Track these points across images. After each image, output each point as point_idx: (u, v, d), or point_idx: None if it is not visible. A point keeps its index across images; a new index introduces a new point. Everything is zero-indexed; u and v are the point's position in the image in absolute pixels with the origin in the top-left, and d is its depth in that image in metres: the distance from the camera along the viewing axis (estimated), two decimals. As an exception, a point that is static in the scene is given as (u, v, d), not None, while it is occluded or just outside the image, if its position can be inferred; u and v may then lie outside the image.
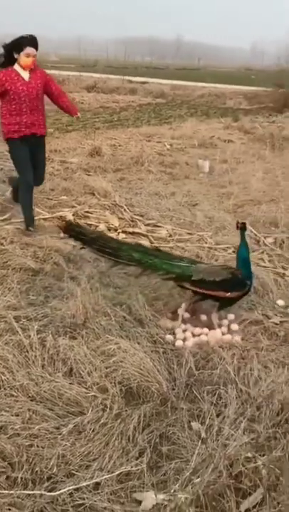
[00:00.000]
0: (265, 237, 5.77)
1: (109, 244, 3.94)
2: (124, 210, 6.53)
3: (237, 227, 3.95)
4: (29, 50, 4.96)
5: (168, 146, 11.36)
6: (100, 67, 55.34)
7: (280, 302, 4.18)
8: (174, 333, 3.64)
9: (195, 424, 2.70)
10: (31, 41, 4.98)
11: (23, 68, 5.06)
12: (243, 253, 3.91)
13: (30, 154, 5.35)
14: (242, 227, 3.91)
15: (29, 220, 5.51)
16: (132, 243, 4.40)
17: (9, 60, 5.07)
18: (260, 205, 6.88)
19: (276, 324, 3.88)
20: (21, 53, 4.96)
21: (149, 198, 7.20)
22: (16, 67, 5.08)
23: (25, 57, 4.97)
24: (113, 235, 5.66)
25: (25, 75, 5.09)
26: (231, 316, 3.89)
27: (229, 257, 5.17)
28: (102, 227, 5.87)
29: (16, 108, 5.11)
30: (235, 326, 3.78)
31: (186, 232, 5.85)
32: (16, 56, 5.03)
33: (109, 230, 5.84)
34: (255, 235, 5.88)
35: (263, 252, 5.38)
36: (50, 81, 5.37)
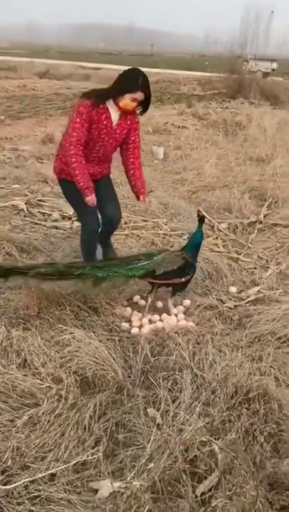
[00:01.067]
0: (219, 223, 5.81)
1: (61, 271, 3.67)
2: (79, 198, 6.45)
3: (198, 215, 3.98)
4: (139, 94, 3.77)
5: (122, 133, 11.28)
6: (52, 53, 54.50)
7: (233, 289, 4.22)
8: (129, 321, 3.63)
9: (151, 411, 2.71)
10: (145, 86, 3.80)
11: (118, 109, 3.86)
12: (197, 239, 3.93)
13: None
14: (201, 219, 3.95)
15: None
16: (80, 265, 3.90)
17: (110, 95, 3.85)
18: (214, 191, 6.92)
19: (230, 309, 3.92)
20: (127, 95, 3.75)
21: (103, 186, 7.12)
22: (110, 105, 3.84)
23: (130, 100, 3.77)
24: (67, 223, 5.60)
25: (115, 117, 3.89)
26: (187, 302, 3.91)
27: (184, 243, 5.19)
28: (55, 215, 5.80)
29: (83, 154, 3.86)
30: (186, 313, 3.81)
31: (141, 219, 5.83)
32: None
33: (63, 218, 5.77)
34: (210, 220, 5.91)
35: (217, 238, 5.42)
36: (135, 129, 4.10)
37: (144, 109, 3.96)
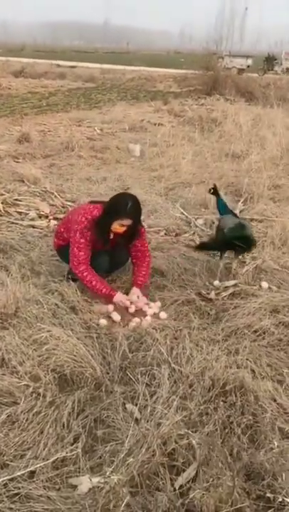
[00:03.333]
0: (196, 219, 5.85)
1: None
2: (55, 196, 6.45)
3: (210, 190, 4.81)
4: (126, 221, 3.79)
5: (98, 131, 11.29)
6: (27, 51, 54.08)
7: (216, 283, 4.24)
8: (109, 317, 3.65)
9: (129, 406, 2.72)
10: (133, 212, 3.79)
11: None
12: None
13: None
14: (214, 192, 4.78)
15: None
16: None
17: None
18: (191, 187, 6.98)
19: (210, 300, 3.96)
20: (116, 220, 3.79)
21: (80, 184, 7.14)
22: None
23: (118, 225, 3.81)
24: (44, 222, 5.59)
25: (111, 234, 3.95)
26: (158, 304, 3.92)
27: (161, 240, 5.23)
28: (32, 214, 5.78)
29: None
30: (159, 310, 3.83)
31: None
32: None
33: (40, 217, 5.75)
34: (186, 216, 5.95)
35: (194, 233, 5.46)
36: (140, 236, 4.06)
37: (131, 236, 3.94)
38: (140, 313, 3.75)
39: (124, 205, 3.76)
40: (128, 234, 3.90)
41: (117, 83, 26.56)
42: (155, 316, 3.73)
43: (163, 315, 3.74)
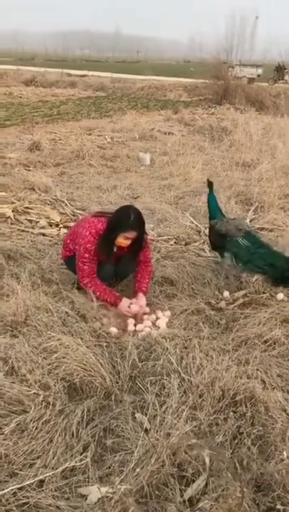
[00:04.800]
0: (205, 228, 5.84)
1: None
2: (66, 204, 6.48)
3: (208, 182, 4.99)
4: (131, 234, 3.83)
5: (108, 140, 11.33)
6: (38, 60, 54.48)
7: (226, 293, 4.23)
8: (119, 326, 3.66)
9: (139, 416, 2.72)
10: (136, 224, 3.82)
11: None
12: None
13: None
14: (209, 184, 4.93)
15: None
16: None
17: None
18: (201, 196, 6.97)
19: (220, 310, 3.95)
20: (120, 234, 3.82)
21: (90, 192, 7.17)
22: None
23: (123, 239, 3.85)
24: (54, 230, 5.61)
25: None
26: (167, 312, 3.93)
27: (171, 248, 5.22)
28: (42, 222, 5.80)
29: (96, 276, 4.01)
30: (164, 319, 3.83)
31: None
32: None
33: (51, 225, 5.78)
34: (196, 225, 5.95)
35: (203, 242, 5.45)
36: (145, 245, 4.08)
37: (138, 247, 3.96)
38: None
39: (127, 218, 3.79)
40: (134, 247, 3.92)
41: (128, 92, 26.72)
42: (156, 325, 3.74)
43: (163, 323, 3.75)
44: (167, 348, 3.32)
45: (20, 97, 21.29)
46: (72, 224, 5.54)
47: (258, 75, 38.64)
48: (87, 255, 3.87)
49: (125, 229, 3.79)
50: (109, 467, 2.40)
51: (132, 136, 11.76)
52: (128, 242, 3.86)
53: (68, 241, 4.17)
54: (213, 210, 4.87)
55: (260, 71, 39.43)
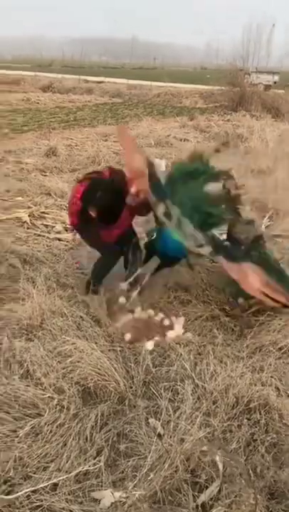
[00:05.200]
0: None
1: None
2: (81, 210, 6.50)
3: None
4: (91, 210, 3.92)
5: (124, 146, 11.35)
6: (55, 66, 54.85)
7: (240, 300, 4.21)
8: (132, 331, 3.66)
9: (152, 421, 2.72)
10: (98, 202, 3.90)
11: None
12: None
13: None
14: None
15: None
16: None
17: None
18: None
19: (235, 316, 3.94)
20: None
21: (106, 198, 7.17)
22: None
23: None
24: (69, 235, 5.64)
25: None
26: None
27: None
28: (58, 227, 5.84)
29: None
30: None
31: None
32: None
33: (66, 230, 5.81)
34: (211, 232, 5.94)
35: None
36: None
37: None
38: (160, 328, 3.77)
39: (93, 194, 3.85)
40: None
41: (144, 99, 26.79)
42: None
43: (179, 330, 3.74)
44: (181, 354, 3.33)
45: (38, 103, 21.46)
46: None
47: (275, 82, 38.48)
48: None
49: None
50: (123, 472, 2.40)
51: (148, 143, 11.79)
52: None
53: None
54: None
55: (276, 78, 39.27)
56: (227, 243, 3.87)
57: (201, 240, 3.70)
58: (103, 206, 3.83)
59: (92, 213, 3.83)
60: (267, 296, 3.58)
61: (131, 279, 4.08)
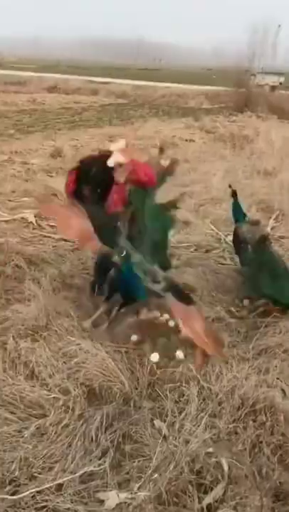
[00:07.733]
0: (226, 235, 5.83)
1: None
2: (87, 210, 6.50)
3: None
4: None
5: (130, 146, 11.36)
6: (61, 67, 54.95)
7: (246, 302, 4.21)
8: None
9: (157, 422, 2.72)
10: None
11: None
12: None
13: None
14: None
15: None
16: None
17: None
18: (221, 204, 6.95)
19: (240, 318, 3.94)
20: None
21: (111, 198, 7.17)
22: None
23: None
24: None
25: None
26: None
27: (191, 256, 5.22)
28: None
29: None
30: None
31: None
32: None
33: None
34: (217, 233, 5.94)
35: (224, 250, 5.44)
36: None
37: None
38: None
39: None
40: None
41: (149, 99, 26.81)
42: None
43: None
44: (186, 355, 3.32)
45: (43, 104, 21.51)
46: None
47: (280, 83, 38.45)
48: None
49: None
50: (128, 473, 2.40)
51: (153, 143, 11.78)
52: None
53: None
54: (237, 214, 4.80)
55: (282, 79, 39.21)
56: (180, 285, 3.78)
57: (159, 276, 3.62)
58: (98, 183, 3.79)
59: (86, 192, 3.80)
60: (203, 341, 3.45)
61: (94, 318, 3.77)
